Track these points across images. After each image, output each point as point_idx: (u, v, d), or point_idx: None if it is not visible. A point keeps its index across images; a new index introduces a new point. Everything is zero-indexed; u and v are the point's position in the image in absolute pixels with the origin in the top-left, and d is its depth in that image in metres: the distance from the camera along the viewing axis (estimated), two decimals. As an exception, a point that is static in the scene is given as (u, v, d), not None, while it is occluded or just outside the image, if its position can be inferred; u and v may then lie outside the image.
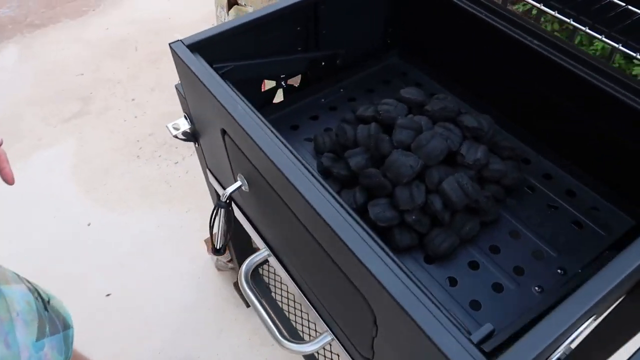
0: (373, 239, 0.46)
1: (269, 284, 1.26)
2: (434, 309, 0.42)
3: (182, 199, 1.67)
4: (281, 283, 1.25)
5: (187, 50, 0.67)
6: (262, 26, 0.74)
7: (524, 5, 1.62)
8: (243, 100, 0.60)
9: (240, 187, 0.70)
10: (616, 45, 0.68)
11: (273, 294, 1.23)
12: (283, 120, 0.87)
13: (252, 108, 0.59)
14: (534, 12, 1.43)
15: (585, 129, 0.70)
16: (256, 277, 1.27)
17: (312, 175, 0.52)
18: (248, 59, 0.77)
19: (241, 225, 0.88)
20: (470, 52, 0.83)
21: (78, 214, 1.64)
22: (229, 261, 1.30)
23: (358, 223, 0.47)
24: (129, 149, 1.84)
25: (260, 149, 0.54)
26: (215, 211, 0.73)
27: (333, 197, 0.49)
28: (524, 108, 0.78)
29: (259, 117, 0.58)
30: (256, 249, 1.31)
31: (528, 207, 0.71)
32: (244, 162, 0.65)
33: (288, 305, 1.22)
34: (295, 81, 0.90)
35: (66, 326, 0.81)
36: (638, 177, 0.67)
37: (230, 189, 0.70)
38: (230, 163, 0.73)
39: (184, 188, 1.71)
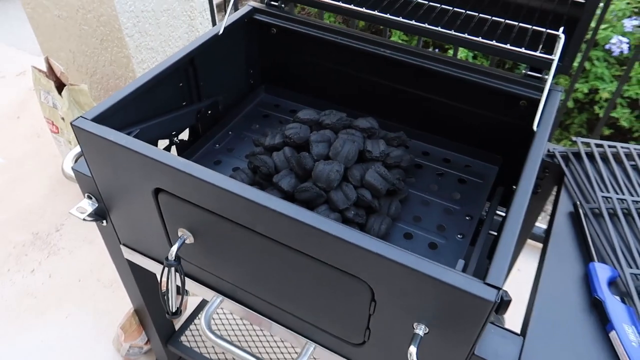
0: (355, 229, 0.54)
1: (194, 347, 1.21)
2: (428, 261, 0.52)
3: (56, 306, 1.48)
4: (206, 345, 1.21)
5: (94, 123, 0.67)
6: (152, 88, 0.77)
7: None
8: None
9: (184, 241, 0.71)
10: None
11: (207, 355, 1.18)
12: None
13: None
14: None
15: (436, 109, 0.89)
16: (179, 346, 1.20)
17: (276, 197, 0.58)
18: (145, 122, 0.79)
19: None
20: (321, 70, 0.98)
21: None
22: (146, 343, 1.21)
23: (338, 222, 0.55)
24: (-35, 276, 1.56)
25: (227, 190, 0.58)
26: (164, 273, 0.72)
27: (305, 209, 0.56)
28: (387, 104, 0.95)
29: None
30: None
31: (424, 180, 0.87)
32: (189, 214, 0.67)
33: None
34: (184, 136, 0.92)
35: None
36: (487, 135, 0.88)
37: (176, 246, 0.70)
38: (164, 223, 0.73)
39: (54, 294, 1.51)
